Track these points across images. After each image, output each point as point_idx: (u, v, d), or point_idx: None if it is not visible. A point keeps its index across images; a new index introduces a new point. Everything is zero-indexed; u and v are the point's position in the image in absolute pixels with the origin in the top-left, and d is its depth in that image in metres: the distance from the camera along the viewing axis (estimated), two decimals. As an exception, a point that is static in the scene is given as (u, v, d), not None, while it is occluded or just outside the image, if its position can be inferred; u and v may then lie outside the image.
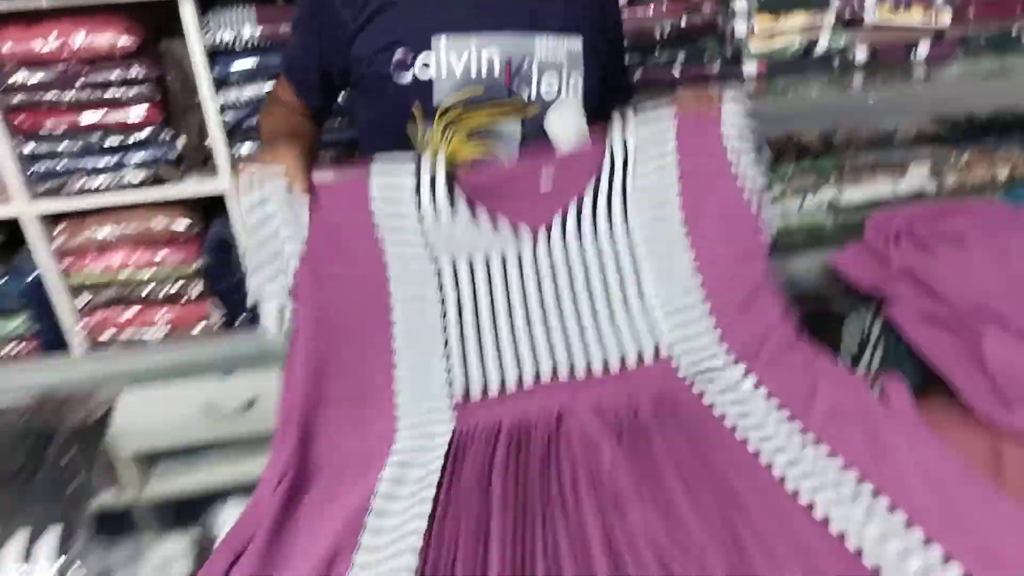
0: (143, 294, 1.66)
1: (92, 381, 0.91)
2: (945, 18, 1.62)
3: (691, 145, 0.91)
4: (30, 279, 1.62)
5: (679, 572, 0.60)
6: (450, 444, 0.77)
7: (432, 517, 0.67)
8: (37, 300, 1.64)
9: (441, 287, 0.87)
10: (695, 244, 0.89)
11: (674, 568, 0.60)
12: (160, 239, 1.62)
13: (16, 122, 1.50)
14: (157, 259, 1.64)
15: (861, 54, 1.61)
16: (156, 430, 1.07)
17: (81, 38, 1.45)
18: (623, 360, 0.84)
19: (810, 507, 0.66)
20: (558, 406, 0.80)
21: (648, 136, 0.92)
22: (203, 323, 1.71)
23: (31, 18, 1.44)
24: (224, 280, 1.71)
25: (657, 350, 0.85)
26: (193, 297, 1.68)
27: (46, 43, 1.45)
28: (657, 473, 0.70)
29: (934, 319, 0.88)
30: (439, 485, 0.71)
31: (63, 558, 0.64)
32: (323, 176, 0.88)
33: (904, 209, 1.08)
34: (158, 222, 1.61)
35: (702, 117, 0.91)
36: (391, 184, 0.88)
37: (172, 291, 1.66)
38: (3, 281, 1.62)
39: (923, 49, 1.64)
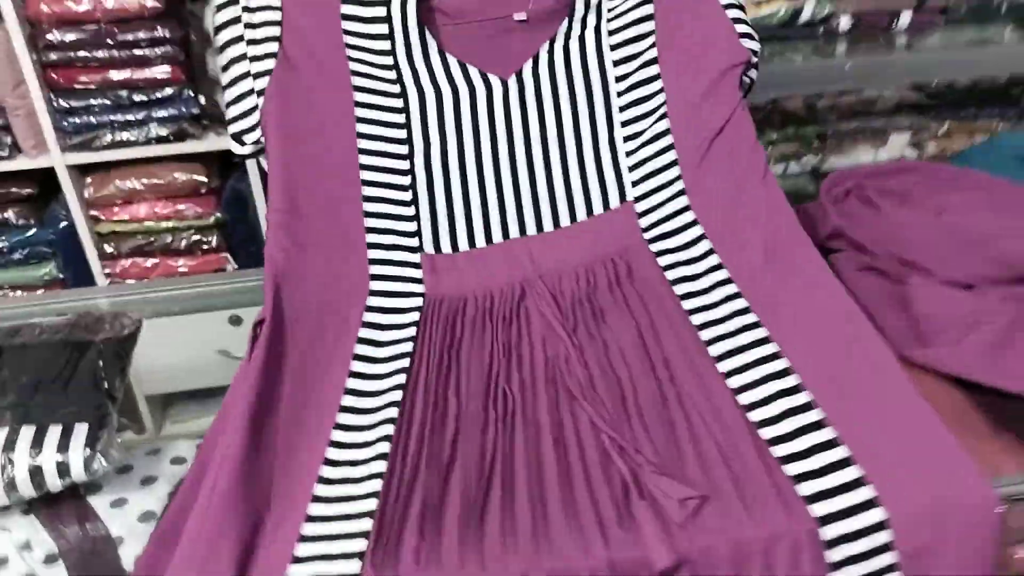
0: (164, 244, 1.78)
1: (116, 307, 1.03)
2: (927, -11, 1.69)
3: None
4: (61, 227, 1.75)
5: (619, 469, 0.65)
6: (421, 311, 0.81)
7: (402, 403, 0.72)
8: (66, 248, 1.76)
9: (409, 131, 0.87)
10: (666, 83, 0.88)
11: (613, 464, 0.65)
12: (181, 192, 1.74)
13: (51, 78, 1.62)
14: (178, 211, 1.76)
15: (845, 22, 1.68)
16: (171, 374, 1.18)
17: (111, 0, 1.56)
18: (589, 212, 0.87)
19: (736, 392, 0.70)
20: (521, 277, 0.83)
21: None
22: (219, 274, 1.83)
23: (64, -19, 1.55)
24: (239, 233, 1.83)
25: (623, 199, 0.87)
26: (211, 248, 1.80)
27: (79, 4, 1.56)
28: (608, 364, 0.75)
29: (869, 268, 0.98)
30: (411, 356, 0.76)
31: (88, 451, 0.74)
32: None
33: (859, 168, 1.17)
34: (180, 176, 1.73)
35: None
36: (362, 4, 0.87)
37: (191, 242, 1.78)
38: (35, 230, 1.75)
39: (905, 18, 1.71)
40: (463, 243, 0.86)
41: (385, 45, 0.88)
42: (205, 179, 1.73)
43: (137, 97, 1.66)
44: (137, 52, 1.62)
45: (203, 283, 1.17)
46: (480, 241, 0.86)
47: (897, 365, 0.71)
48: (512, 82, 0.89)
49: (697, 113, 0.88)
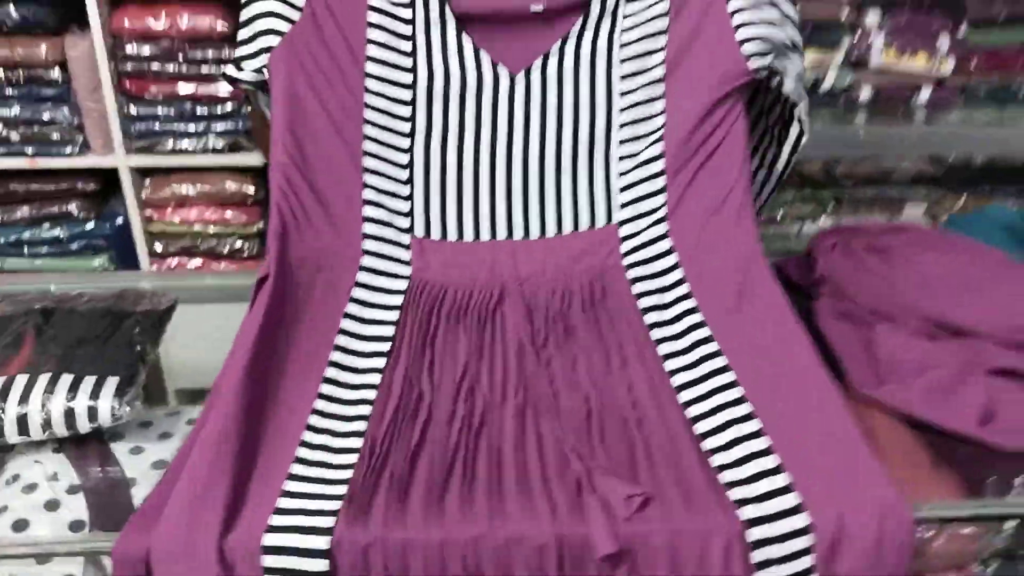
0: (209, 247, 1.91)
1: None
2: (947, 67, 1.76)
3: None
4: (117, 223, 1.89)
5: (575, 469, 0.70)
6: (404, 294, 0.85)
7: (380, 385, 0.78)
8: (119, 243, 1.90)
9: (413, 109, 0.88)
10: (667, 106, 0.88)
11: (569, 468, 0.71)
12: (230, 200, 1.88)
13: (125, 86, 1.78)
14: (224, 218, 1.89)
15: (865, 93, 1.76)
16: (202, 370, 1.28)
17: (186, 20, 1.72)
18: (576, 226, 0.89)
19: (693, 421, 0.75)
20: (501, 279, 0.86)
21: None
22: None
23: (147, 0, 1.72)
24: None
25: (609, 219, 0.89)
26: (251, 254, 1.93)
27: (157, 22, 1.72)
28: (575, 382, 0.80)
29: (844, 314, 1.05)
30: (391, 341, 0.81)
31: (116, 400, 0.84)
32: None
33: (850, 226, 1.24)
34: (230, 185, 1.86)
35: None
36: None
37: (234, 247, 1.91)
38: (93, 224, 1.90)
39: (925, 94, 1.79)
40: (452, 233, 0.89)
41: (407, 14, 0.89)
42: (252, 190, 1.86)
43: (199, 110, 1.81)
44: (203, 69, 1.77)
45: (231, 276, 1.28)
46: (468, 234, 0.89)
47: (839, 399, 0.77)
48: (520, 78, 0.89)
49: (690, 139, 0.89)
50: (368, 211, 0.88)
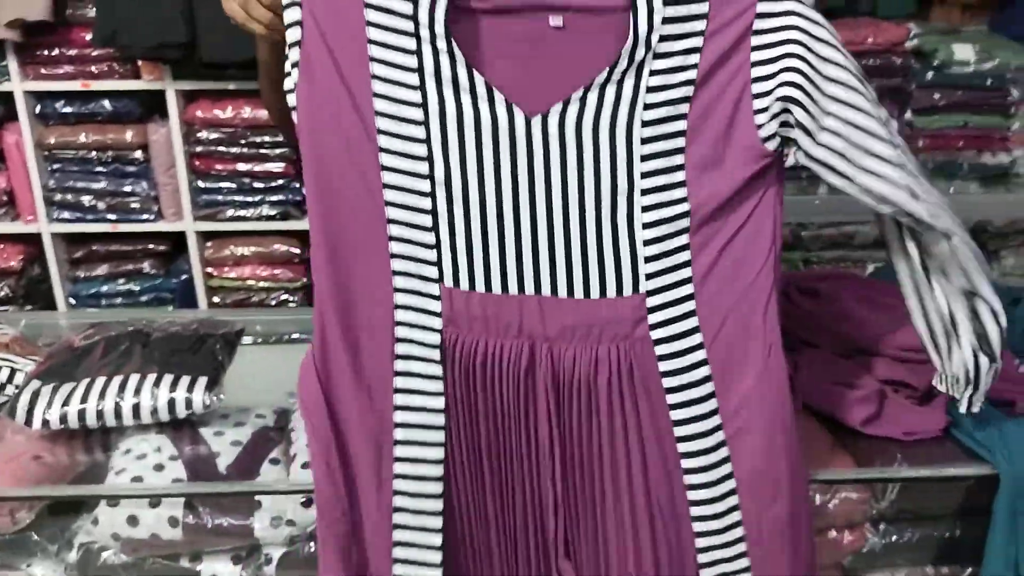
0: (260, 300, 2.21)
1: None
2: (895, 148, 2.04)
3: (719, 36, 0.79)
4: (182, 279, 2.21)
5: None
6: (441, 348, 0.86)
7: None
8: (183, 295, 2.21)
9: (429, 148, 0.81)
10: (688, 176, 0.82)
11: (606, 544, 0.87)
12: (279, 260, 2.19)
13: (195, 165, 2.12)
14: (274, 274, 2.19)
15: (824, 170, 2.04)
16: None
17: (248, 111, 2.06)
18: (603, 291, 0.83)
19: (694, 504, 0.86)
20: (530, 336, 0.85)
21: (674, 27, 0.78)
22: (300, 329, 2.24)
23: (217, 95, 2.07)
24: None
25: (636, 288, 0.84)
26: (297, 305, 2.22)
27: (224, 113, 2.06)
28: (594, 455, 0.87)
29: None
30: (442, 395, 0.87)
31: (206, 393, 1.11)
32: None
33: (792, 273, 1.50)
34: (279, 247, 2.18)
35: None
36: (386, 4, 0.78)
37: (280, 300, 2.21)
38: (162, 279, 2.21)
39: (877, 170, 2.06)
40: (480, 283, 0.84)
41: (411, 45, 0.79)
42: (299, 251, 2.17)
43: (256, 184, 2.14)
44: (261, 151, 2.10)
45: (287, 313, 1.56)
46: (496, 286, 0.84)
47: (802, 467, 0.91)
48: (536, 123, 0.81)
49: (714, 218, 0.83)
50: (396, 264, 0.85)
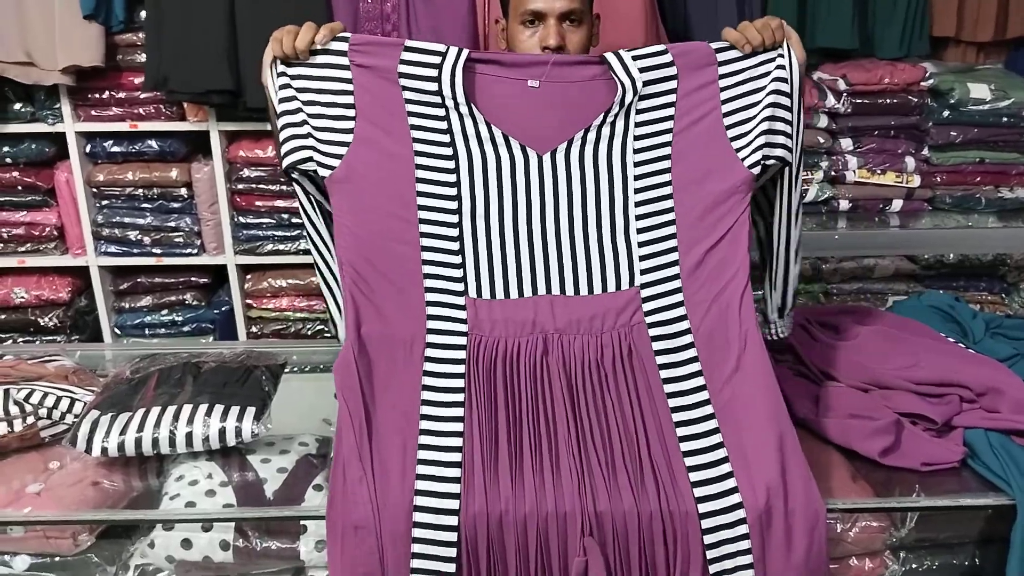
0: (296, 330, 2.29)
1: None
2: (915, 182, 2.08)
3: (690, 85, 1.08)
4: (223, 310, 2.29)
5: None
6: (465, 349, 1.02)
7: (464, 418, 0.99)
8: (223, 326, 2.29)
9: (458, 188, 1.07)
10: (675, 198, 1.07)
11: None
12: (314, 292, 2.26)
13: (236, 202, 2.21)
14: (310, 306, 2.27)
15: (844, 204, 2.09)
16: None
17: (287, 150, 2.15)
18: (604, 287, 1.06)
19: (685, 455, 0.98)
20: (544, 330, 1.03)
21: (652, 77, 1.08)
22: (333, 359, 2.31)
23: (258, 135, 2.16)
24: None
25: (632, 283, 1.07)
26: (332, 336, 2.29)
27: (264, 152, 2.15)
28: (603, 423, 1.00)
29: (802, 374, 1.34)
30: (463, 391, 1.00)
31: (254, 423, 1.18)
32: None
33: (810, 309, 1.55)
34: (315, 280, 2.25)
35: (701, 57, 1.08)
36: (418, 60, 1.07)
37: (315, 330, 2.28)
38: (203, 310, 2.30)
39: (896, 204, 2.10)
40: (499, 291, 1.06)
41: (440, 113, 1.08)
42: (333, 284, 2.25)
43: (294, 220, 2.22)
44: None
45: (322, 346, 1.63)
46: (513, 292, 1.06)
47: (789, 425, 1.02)
48: (547, 158, 1.09)
49: (697, 226, 1.08)
50: (428, 282, 1.05)
